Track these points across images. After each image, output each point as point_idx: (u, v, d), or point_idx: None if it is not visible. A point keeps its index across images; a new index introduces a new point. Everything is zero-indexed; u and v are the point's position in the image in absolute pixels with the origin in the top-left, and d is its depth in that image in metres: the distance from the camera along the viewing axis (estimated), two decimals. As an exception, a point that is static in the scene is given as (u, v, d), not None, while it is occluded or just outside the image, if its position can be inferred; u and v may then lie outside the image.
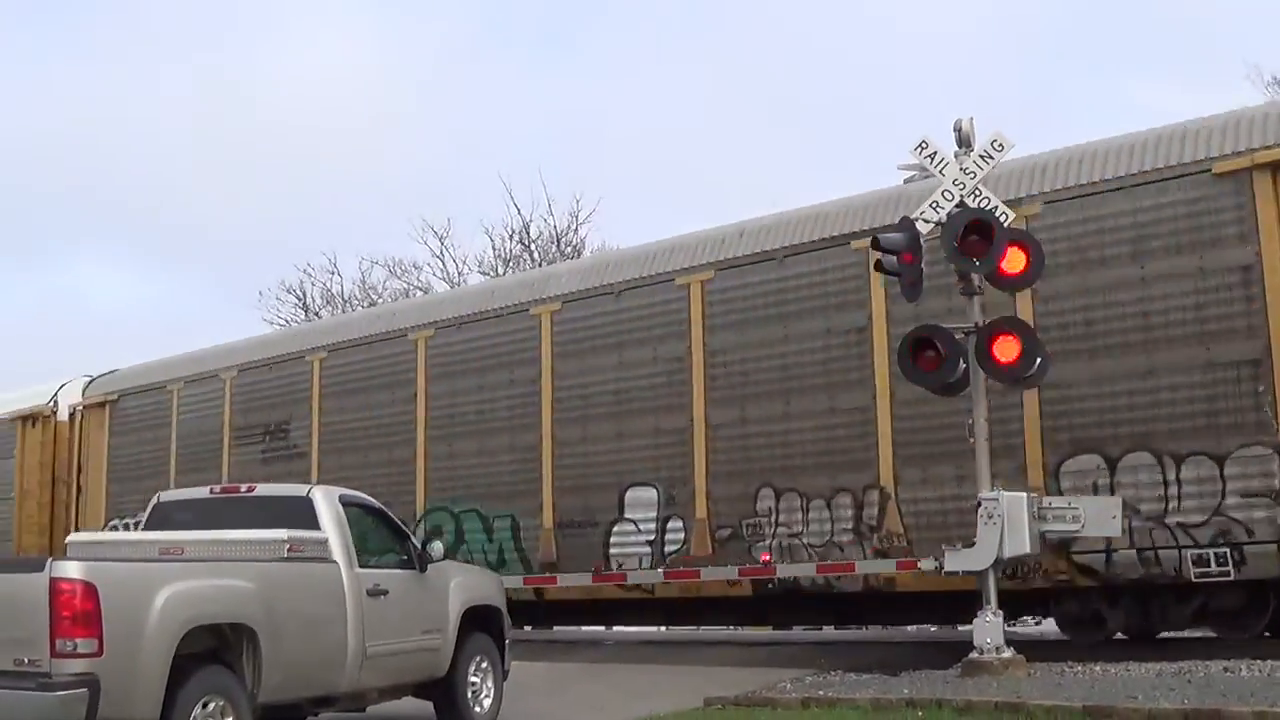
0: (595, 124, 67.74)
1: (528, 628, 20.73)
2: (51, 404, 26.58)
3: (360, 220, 67.62)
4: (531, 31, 75.18)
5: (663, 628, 21.98)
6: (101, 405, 25.98)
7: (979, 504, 13.11)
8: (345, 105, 71.34)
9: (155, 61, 77.91)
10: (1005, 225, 13.41)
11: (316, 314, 47.20)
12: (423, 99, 72.34)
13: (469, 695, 12.06)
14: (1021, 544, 12.93)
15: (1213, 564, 13.62)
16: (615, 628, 22.06)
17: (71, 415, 26.42)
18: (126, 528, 22.86)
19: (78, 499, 25.81)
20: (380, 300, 45.25)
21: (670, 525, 17.37)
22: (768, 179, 59.79)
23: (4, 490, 26.75)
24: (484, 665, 12.33)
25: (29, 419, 26.51)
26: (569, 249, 44.27)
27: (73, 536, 10.90)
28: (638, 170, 65.48)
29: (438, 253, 48.37)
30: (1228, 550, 13.49)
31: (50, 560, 8.16)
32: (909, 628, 21.09)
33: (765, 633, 21.34)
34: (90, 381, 26.78)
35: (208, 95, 70.40)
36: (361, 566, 10.86)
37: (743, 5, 69.91)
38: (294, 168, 70.95)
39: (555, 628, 22.00)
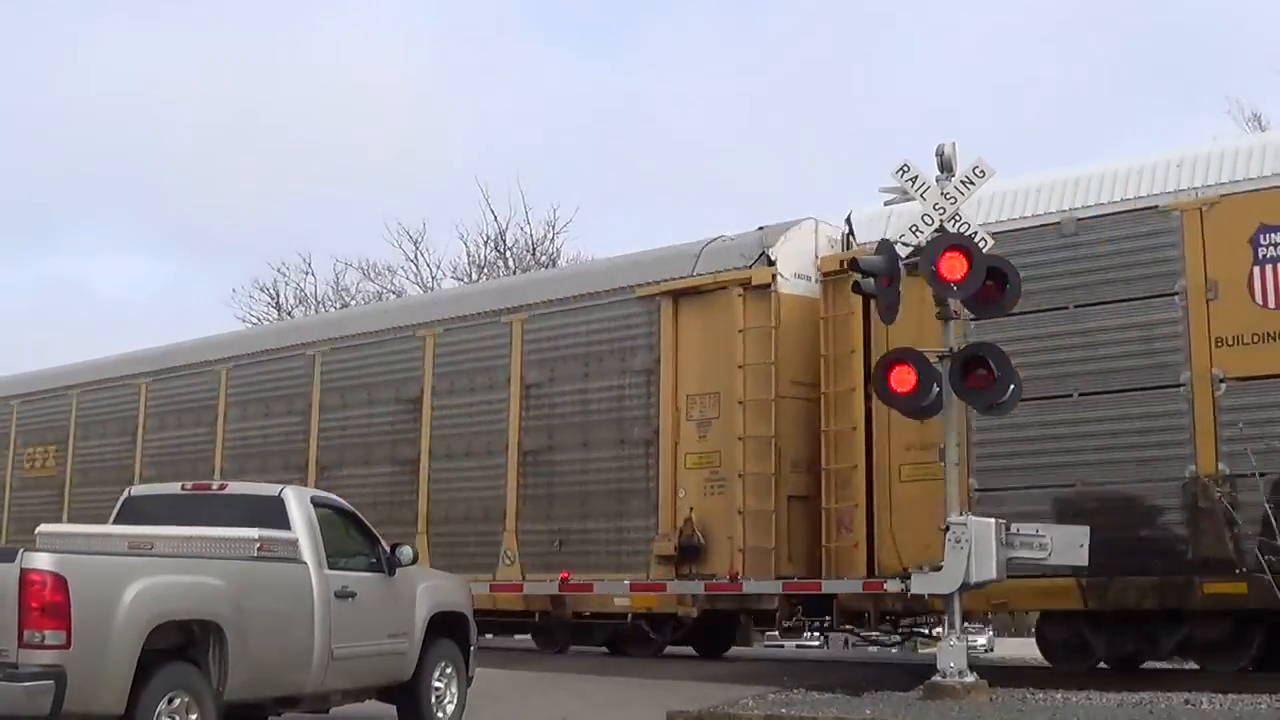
0: (576, 135, 67.91)
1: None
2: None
3: (338, 221, 67.52)
4: (518, 43, 75.31)
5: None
6: None
7: (947, 528, 13.17)
8: (338, 103, 71.23)
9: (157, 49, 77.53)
10: (984, 251, 13.48)
11: (289, 313, 47.05)
12: (408, 102, 72.30)
13: (433, 700, 12.04)
14: (989, 569, 12.95)
15: None
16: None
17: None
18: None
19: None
20: (353, 303, 45.09)
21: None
22: (755, 192, 59.69)
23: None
24: (448, 671, 12.30)
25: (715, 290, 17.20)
26: (545, 258, 44.27)
27: (43, 527, 10.82)
28: (614, 183, 65.53)
29: (412, 257, 48.16)
30: None
31: (22, 551, 8.14)
32: (871, 649, 21.14)
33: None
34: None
35: (214, 83, 70.02)
36: (331, 568, 10.84)
37: (732, 18, 70.14)
38: (281, 164, 70.83)
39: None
